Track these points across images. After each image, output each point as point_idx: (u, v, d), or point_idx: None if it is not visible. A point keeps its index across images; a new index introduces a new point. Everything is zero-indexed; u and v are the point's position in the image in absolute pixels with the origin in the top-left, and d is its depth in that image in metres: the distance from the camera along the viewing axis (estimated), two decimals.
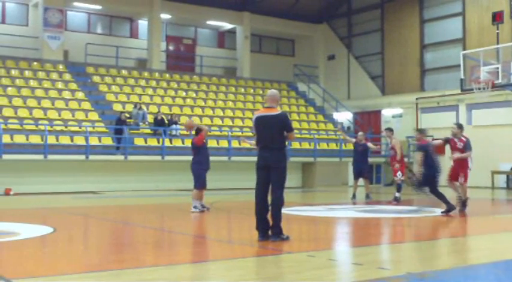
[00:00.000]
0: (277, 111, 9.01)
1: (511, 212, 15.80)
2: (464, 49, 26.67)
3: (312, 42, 35.73)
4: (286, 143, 9.21)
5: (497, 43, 23.85)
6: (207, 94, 29.55)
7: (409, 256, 8.07)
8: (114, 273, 6.55)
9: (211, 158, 23.64)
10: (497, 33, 24.60)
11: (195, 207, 13.60)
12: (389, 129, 17.85)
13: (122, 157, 22.53)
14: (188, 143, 24.09)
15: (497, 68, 21.81)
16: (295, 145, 26.21)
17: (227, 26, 33.39)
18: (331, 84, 34.50)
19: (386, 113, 31.44)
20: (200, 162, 13.67)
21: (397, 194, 16.73)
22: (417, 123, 29.45)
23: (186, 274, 6.63)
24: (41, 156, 20.95)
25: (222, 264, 7.19)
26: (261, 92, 31.36)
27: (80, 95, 25.53)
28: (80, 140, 22.36)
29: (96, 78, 27.54)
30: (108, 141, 23.12)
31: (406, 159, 29.73)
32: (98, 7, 29.66)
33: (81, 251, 8.46)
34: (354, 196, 18.34)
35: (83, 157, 21.68)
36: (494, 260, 7.56)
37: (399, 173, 16.83)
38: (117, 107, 25.46)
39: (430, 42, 30.19)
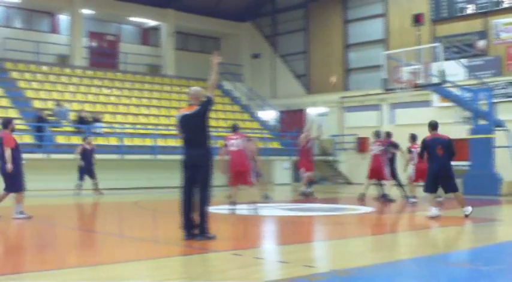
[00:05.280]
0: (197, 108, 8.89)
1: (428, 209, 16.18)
2: (386, 50, 27.23)
3: (237, 41, 35.74)
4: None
5: (419, 44, 24.45)
6: (132, 91, 29.12)
7: (334, 253, 8.14)
8: (36, 274, 6.36)
9: (139, 157, 23.60)
10: (418, 34, 25.23)
11: (21, 212, 11.89)
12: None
13: (43, 155, 21.92)
14: (112, 141, 23.71)
15: (418, 68, 22.32)
16: (220, 143, 26.07)
17: (151, 22, 33.01)
18: (257, 83, 34.63)
19: (311, 111, 31.77)
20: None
21: (307, 190, 18.04)
22: (341, 122, 29.92)
23: (110, 274, 6.47)
24: None
25: (147, 264, 7.07)
26: (186, 89, 30.97)
27: None
28: None
29: (15, 74, 26.68)
30: (28, 139, 22.45)
31: (331, 158, 30.20)
32: (17, 0, 28.72)
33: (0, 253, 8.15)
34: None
35: None
36: (417, 256, 7.72)
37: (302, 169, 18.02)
38: (37, 104, 24.72)
39: (353, 42, 30.72)
